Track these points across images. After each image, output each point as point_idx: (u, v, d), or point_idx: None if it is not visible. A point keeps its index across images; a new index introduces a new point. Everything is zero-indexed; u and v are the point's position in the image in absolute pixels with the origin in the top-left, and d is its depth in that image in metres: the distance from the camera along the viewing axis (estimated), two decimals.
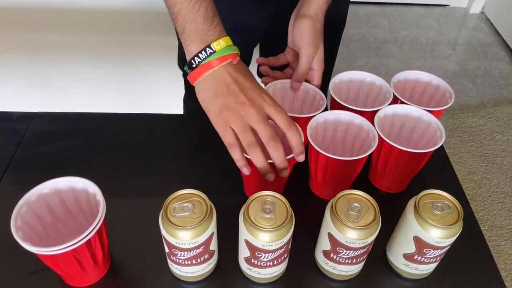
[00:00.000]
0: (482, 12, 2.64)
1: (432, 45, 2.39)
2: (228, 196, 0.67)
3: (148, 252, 0.59)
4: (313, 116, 0.64)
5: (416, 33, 2.45)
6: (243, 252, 0.53)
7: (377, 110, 0.66)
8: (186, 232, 0.48)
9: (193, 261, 0.53)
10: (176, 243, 0.49)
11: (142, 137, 0.76)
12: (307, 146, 0.62)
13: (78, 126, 0.78)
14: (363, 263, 0.56)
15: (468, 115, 1.93)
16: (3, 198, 0.65)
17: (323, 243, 0.54)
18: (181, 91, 1.45)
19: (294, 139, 0.56)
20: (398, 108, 0.67)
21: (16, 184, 0.65)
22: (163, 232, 0.50)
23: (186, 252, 0.51)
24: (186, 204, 0.50)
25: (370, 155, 0.68)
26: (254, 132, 0.55)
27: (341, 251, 0.52)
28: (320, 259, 0.57)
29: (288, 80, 0.73)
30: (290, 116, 0.62)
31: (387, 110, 0.67)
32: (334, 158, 0.58)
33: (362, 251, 0.52)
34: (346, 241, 0.50)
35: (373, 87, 0.74)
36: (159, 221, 0.50)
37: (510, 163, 1.74)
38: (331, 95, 0.69)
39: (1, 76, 1.41)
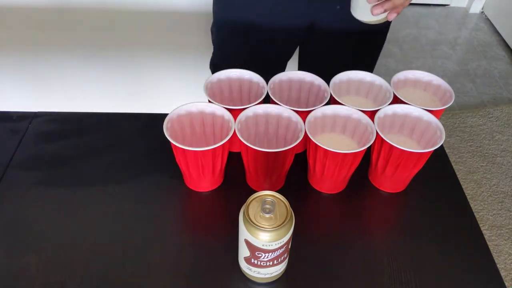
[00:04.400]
0: (482, 12, 2.64)
1: (432, 45, 2.39)
2: (229, 196, 0.67)
3: (147, 252, 0.59)
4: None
5: (416, 33, 2.45)
6: (243, 251, 0.53)
7: (377, 110, 0.66)
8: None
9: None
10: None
11: (142, 137, 0.76)
12: (305, 140, 0.63)
13: (78, 126, 0.78)
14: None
15: (468, 115, 1.93)
16: (3, 198, 0.65)
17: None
18: (181, 91, 1.45)
19: None
20: (398, 108, 0.67)
21: (16, 184, 0.65)
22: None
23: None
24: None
25: (370, 154, 0.68)
26: None
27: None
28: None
29: (294, 72, 0.73)
30: (293, 110, 0.64)
31: (387, 110, 0.67)
32: (333, 151, 0.59)
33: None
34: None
35: (373, 87, 0.74)
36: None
37: (510, 163, 1.74)
38: (331, 95, 0.69)
39: (1, 76, 1.41)
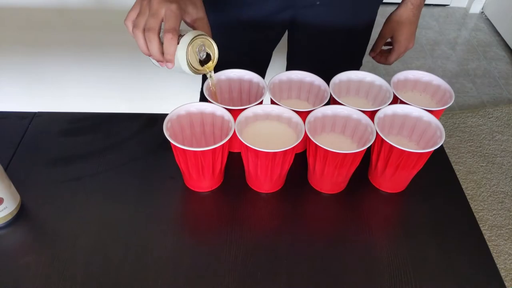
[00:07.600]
0: (482, 12, 2.64)
1: (432, 45, 2.39)
2: (229, 196, 0.67)
3: (146, 252, 0.60)
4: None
5: (416, 33, 2.45)
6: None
7: (377, 110, 0.66)
8: None
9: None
10: None
11: (142, 137, 0.76)
12: (305, 140, 0.63)
13: (78, 126, 0.78)
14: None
15: (468, 115, 1.93)
16: None
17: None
18: (180, 91, 1.45)
19: (165, 46, 0.57)
20: (398, 108, 0.67)
21: (16, 183, 0.65)
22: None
23: None
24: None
25: (370, 154, 0.69)
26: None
27: None
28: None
29: (294, 72, 0.73)
30: (293, 110, 0.64)
31: (387, 110, 0.67)
32: (333, 151, 0.59)
33: None
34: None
35: (373, 87, 0.74)
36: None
37: (510, 163, 1.74)
38: (331, 95, 0.69)
39: (1, 76, 1.41)
